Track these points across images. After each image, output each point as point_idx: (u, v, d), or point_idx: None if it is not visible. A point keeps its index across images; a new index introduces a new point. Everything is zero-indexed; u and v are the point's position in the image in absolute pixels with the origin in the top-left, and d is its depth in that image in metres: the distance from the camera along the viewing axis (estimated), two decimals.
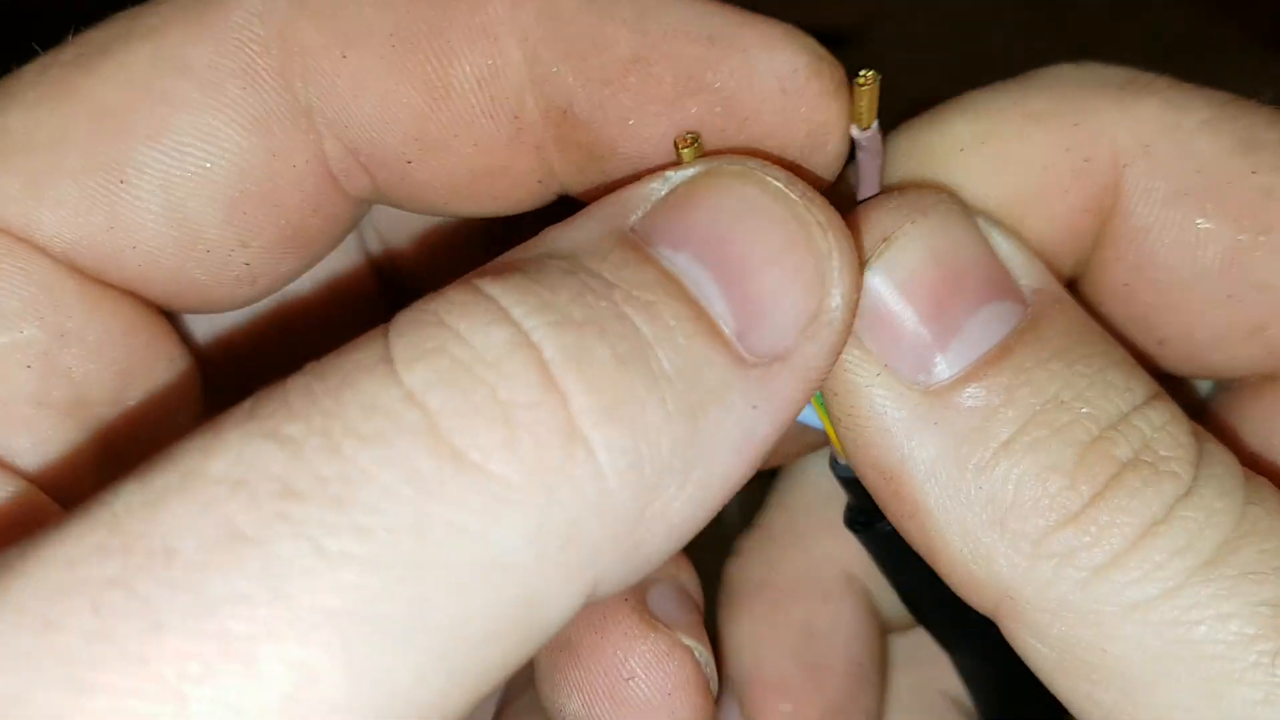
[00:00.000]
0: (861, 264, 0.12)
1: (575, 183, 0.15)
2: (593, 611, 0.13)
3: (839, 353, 0.11)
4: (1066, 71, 0.15)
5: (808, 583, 0.19)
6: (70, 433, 0.14)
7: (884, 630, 0.20)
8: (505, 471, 0.09)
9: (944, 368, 0.12)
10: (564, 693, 0.13)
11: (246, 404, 0.10)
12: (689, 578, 0.15)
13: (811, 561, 0.19)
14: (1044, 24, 0.96)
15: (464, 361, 0.09)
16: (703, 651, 0.14)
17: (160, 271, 0.15)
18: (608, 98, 0.13)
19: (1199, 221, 0.13)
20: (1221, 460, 0.12)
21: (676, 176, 0.11)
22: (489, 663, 0.09)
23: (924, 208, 0.12)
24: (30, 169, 0.13)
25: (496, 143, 0.15)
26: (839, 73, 0.14)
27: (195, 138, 0.14)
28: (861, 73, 0.13)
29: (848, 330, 0.11)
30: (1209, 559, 0.11)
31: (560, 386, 0.09)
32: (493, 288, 0.10)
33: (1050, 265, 0.14)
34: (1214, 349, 0.14)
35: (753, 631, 0.18)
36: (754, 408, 0.10)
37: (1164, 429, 0.12)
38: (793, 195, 0.11)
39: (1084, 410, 0.12)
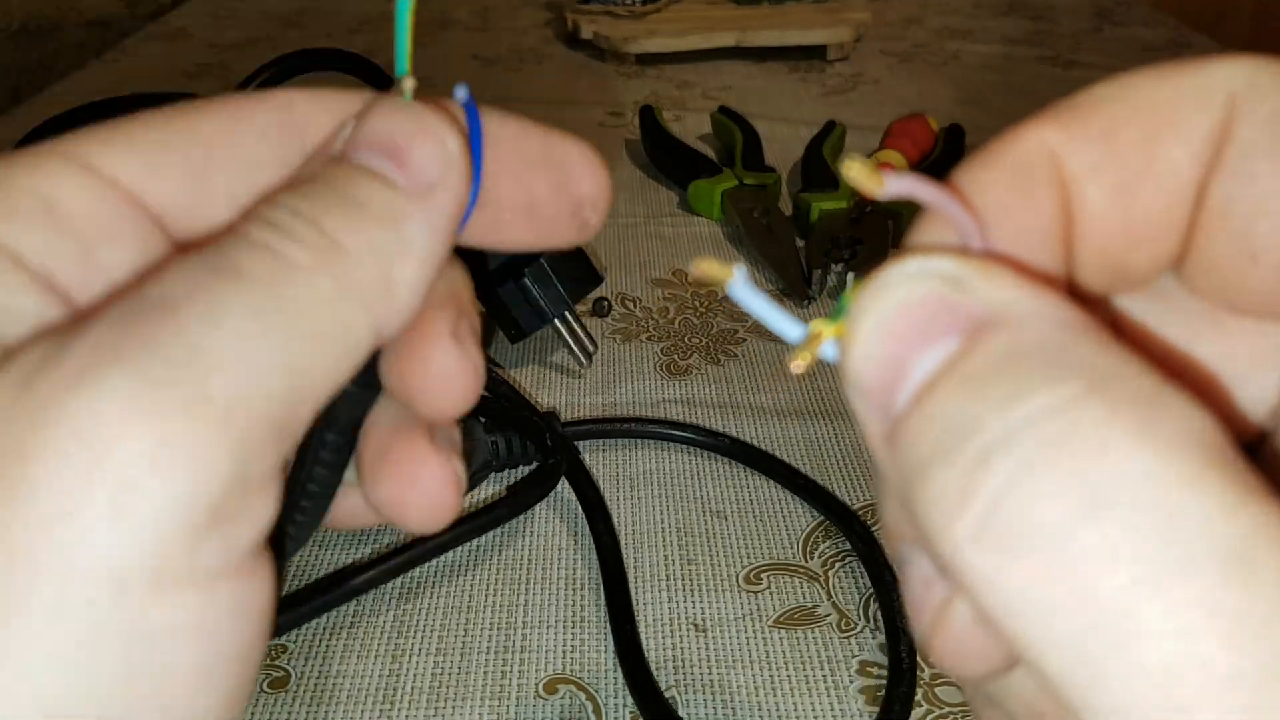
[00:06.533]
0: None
1: None
2: (391, 439, 0.18)
3: (468, 175, 0.16)
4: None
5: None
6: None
7: None
8: (311, 263, 0.14)
9: (894, 416, 0.13)
10: (369, 483, 0.17)
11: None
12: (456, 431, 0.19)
13: None
14: (1029, 34, 0.98)
15: (278, 226, 0.14)
16: (462, 475, 0.18)
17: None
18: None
19: None
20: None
21: (356, 113, 0.16)
22: (326, 365, 0.14)
23: (881, 282, 0.14)
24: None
25: None
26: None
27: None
28: (848, 164, 0.14)
29: (468, 161, 0.16)
30: (1119, 606, 0.11)
31: (323, 227, 0.14)
32: (282, 196, 0.15)
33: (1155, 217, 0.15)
34: None
35: None
36: (427, 211, 0.15)
37: (1051, 444, 0.12)
38: (421, 108, 0.16)
39: (973, 428, 0.12)
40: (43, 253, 0.15)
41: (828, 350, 0.15)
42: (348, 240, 0.14)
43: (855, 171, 0.14)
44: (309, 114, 0.17)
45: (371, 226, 0.15)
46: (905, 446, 0.13)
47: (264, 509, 0.13)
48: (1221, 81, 0.15)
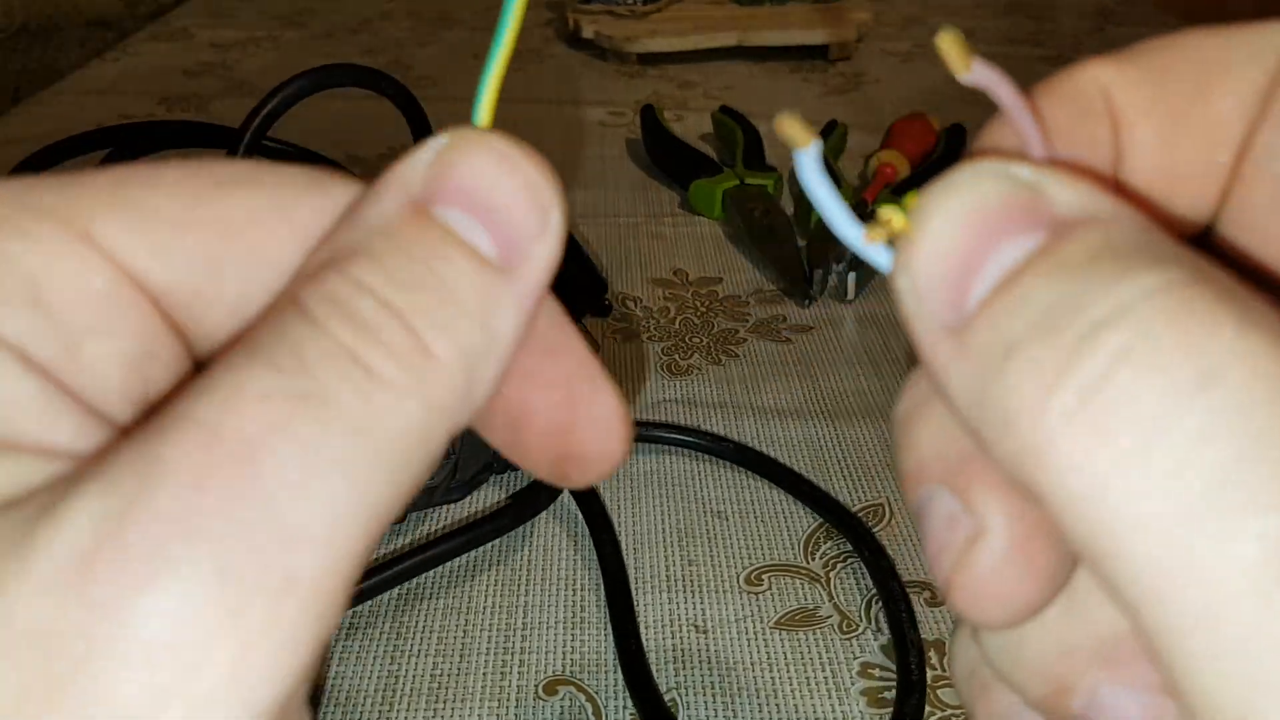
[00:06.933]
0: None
1: None
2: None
3: (559, 248, 0.14)
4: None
5: None
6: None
7: None
8: (399, 379, 0.12)
9: (971, 305, 0.13)
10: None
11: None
12: None
13: None
14: (1028, 34, 0.98)
15: (362, 325, 0.12)
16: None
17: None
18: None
19: None
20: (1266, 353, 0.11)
21: (436, 143, 0.14)
22: (404, 492, 0.12)
23: (955, 180, 0.13)
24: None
25: None
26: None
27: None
28: (943, 35, 0.14)
29: (562, 235, 0.14)
30: (1222, 478, 0.10)
31: (413, 326, 0.12)
32: (361, 273, 0.13)
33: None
34: None
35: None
36: (516, 296, 0.14)
37: (1167, 314, 0.11)
38: (518, 155, 0.14)
39: (1079, 307, 0.12)
40: (25, 341, 0.13)
41: (879, 257, 0.14)
42: (439, 345, 0.12)
43: (948, 44, 0.14)
44: None
45: (462, 323, 0.13)
46: (986, 335, 0.12)
47: (320, 657, 0.12)
48: (1277, 40, 0.15)
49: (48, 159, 0.52)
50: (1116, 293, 0.12)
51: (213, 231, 0.14)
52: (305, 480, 0.11)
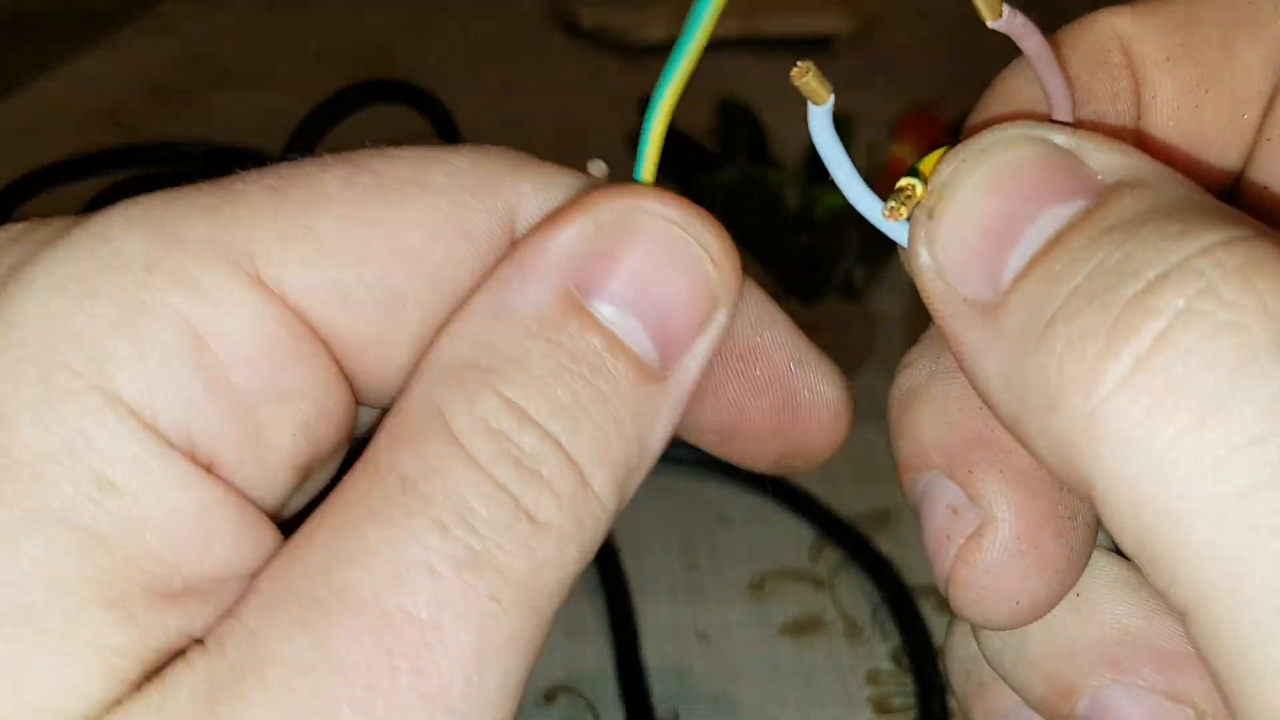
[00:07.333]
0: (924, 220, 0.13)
1: None
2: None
3: (721, 342, 0.13)
4: None
5: None
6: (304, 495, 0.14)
7: None
8: (562, 524, 0.12)
9: (1007, 279, 0.12)
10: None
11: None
12: None
13: None
14: (1040, 25, 0.97)
15: (524, 463, 0.12)
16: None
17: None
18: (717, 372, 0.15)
19: None
20: None
21: (595, 212, 0.12)
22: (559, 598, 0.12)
23: (983, 145, 0.12)
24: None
25: None
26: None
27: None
28: None
29: (726, 331, 0.13)
30: None
31: (575, 460, 0.12)
32: (518, 395, 0.12)
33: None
34: None
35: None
36: (672, 403, 0.13)
37: (1237, 271, 0.10)
38: (690, 238, 0.13)
39: (1131, 267, 0.10)
40: (192, 425, 0.11)
41: (896, 231, 0.13)
42: (598, 479, 0.12)
43: None
44: (536, 218, 0.13)
45: (620, 448, 0.12)
46: (1025, 309, 0.11)
47: None
48: None
49: (49, 179, 0.51)
50: (1174, 249, 0.10)
51: (393, 261, 0.12)
52: (479, 666, 0.11)
